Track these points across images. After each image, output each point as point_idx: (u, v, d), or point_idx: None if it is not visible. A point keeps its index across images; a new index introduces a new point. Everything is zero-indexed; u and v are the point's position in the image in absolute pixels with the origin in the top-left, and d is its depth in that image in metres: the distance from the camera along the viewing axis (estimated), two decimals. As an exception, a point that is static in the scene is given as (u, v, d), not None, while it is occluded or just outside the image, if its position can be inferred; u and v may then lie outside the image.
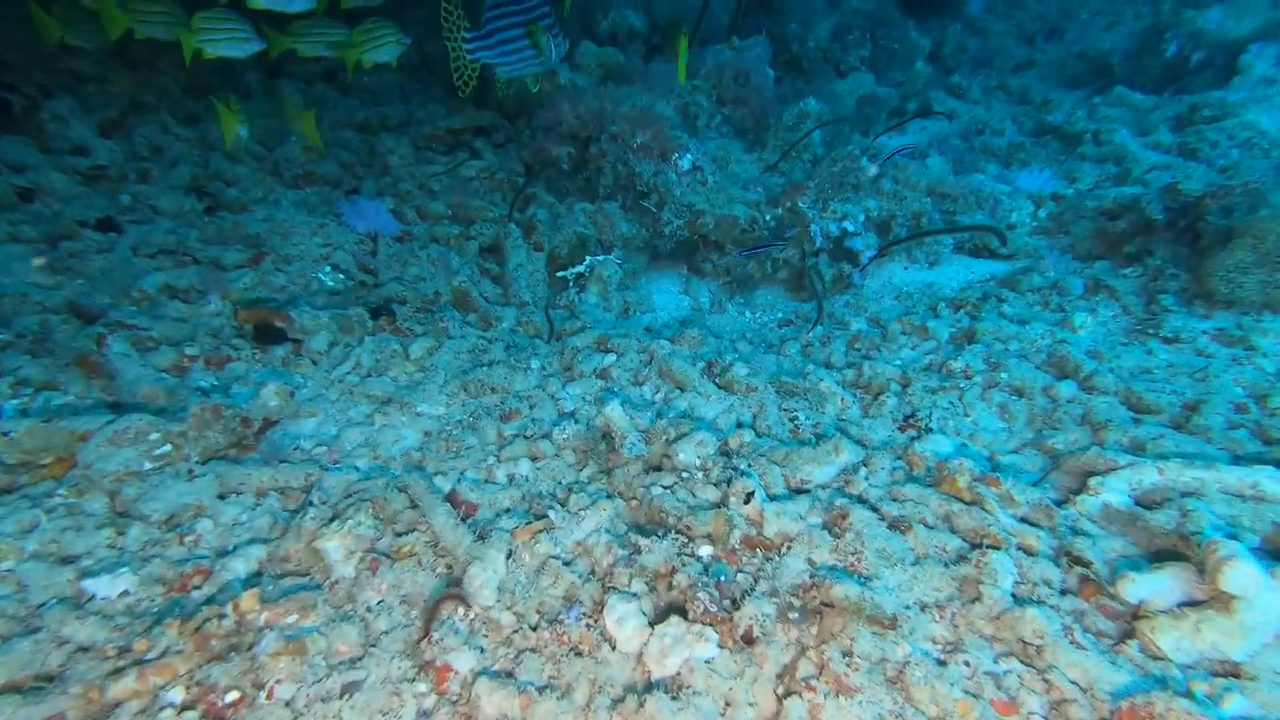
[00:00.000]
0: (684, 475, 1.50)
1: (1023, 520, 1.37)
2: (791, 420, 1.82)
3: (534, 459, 1.59)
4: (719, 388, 1.98)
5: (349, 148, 3.24)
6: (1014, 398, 1.83)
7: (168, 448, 1.26)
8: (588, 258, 2.84)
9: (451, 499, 1.37)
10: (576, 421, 1.71)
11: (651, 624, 1.12)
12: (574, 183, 3.11)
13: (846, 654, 1.08)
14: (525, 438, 1.66)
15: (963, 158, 3.27)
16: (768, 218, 2.91)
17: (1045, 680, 1.09)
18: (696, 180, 2.93)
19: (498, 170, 3.21)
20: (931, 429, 1.73)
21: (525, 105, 3.52)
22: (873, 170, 2.74)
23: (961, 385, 1.87)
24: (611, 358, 2.09)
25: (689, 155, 2.91)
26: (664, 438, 1.64)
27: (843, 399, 1.88)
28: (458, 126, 3.55)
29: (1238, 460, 1.48)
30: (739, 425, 1.80)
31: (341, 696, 1.05)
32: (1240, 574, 1.08)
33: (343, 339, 1.93)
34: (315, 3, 2.31)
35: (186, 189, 2.54)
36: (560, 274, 2.80)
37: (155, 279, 1.94)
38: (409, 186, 2.95)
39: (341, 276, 2.33)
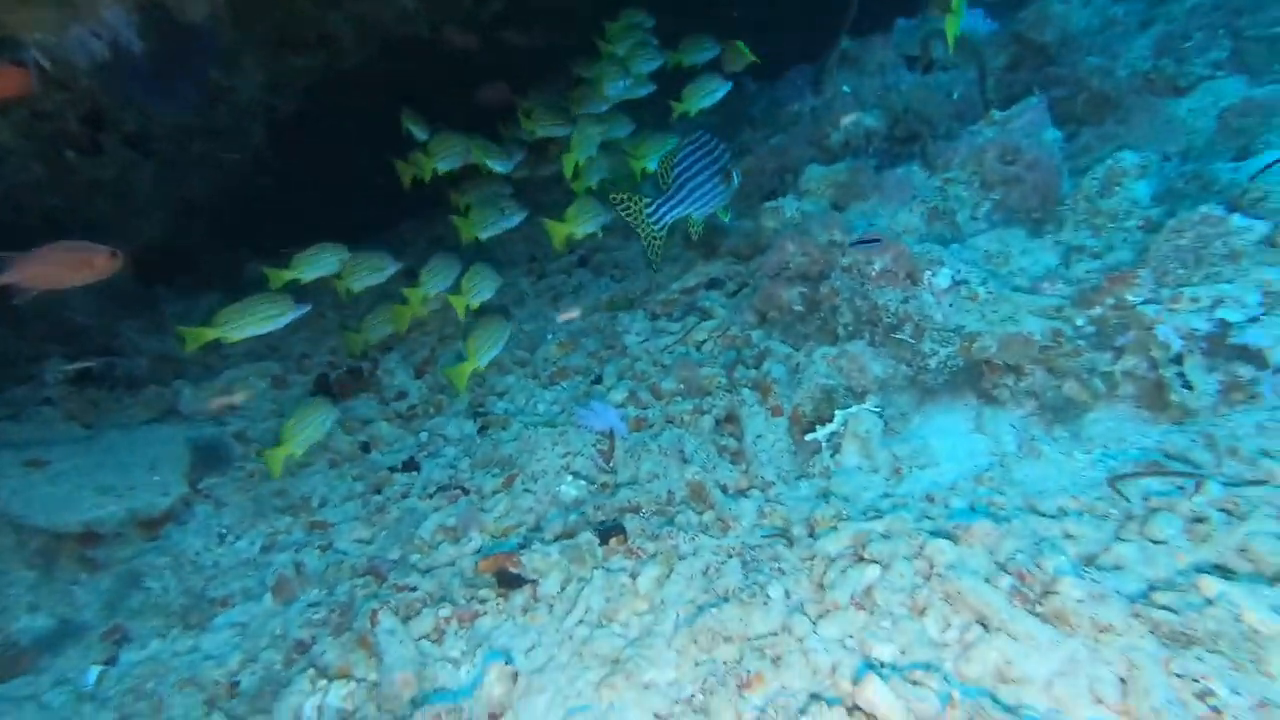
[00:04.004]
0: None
1: None
2: (1203, 701, 1.10)
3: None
4: (1043, 621, 1.34)
5: (598, 331, 3.46)
6: None
7: (393, 775, 1.27)
8: (837, 412, 2.42)
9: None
10: (831, 703, 1.29)
11: None
12: (810, 325, 2.78)
13: None
14: (766, 732, 1.29)
15: None
16: (1080, 323, 2.14)
17: None
18: (962, 296, 2.34)
19: (730, 325, 3.07)
20: None
21: (758, 245, 3.38)
22: (1259, 228, 1.82)
23: None
24: (874, 572, 1.62)
25: (945, 270, 2.36)
26: (965, 742, 1.11)
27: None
28: (690, 285, 3.57)
29: None
30: (1098, 703, 1.15)
31: None
32: None
33: (574, 573, 1.87)
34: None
35: (468, 412, 2.93)
36: (809, 436, 2.43)
37: (432, 522, 2.17)
38: (644, 365, 2.96)
39: (582, 483, 2.34)
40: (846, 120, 3.86)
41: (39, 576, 1.93)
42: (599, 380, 3.00)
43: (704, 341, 3.05)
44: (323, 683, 1.58)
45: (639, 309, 3.46)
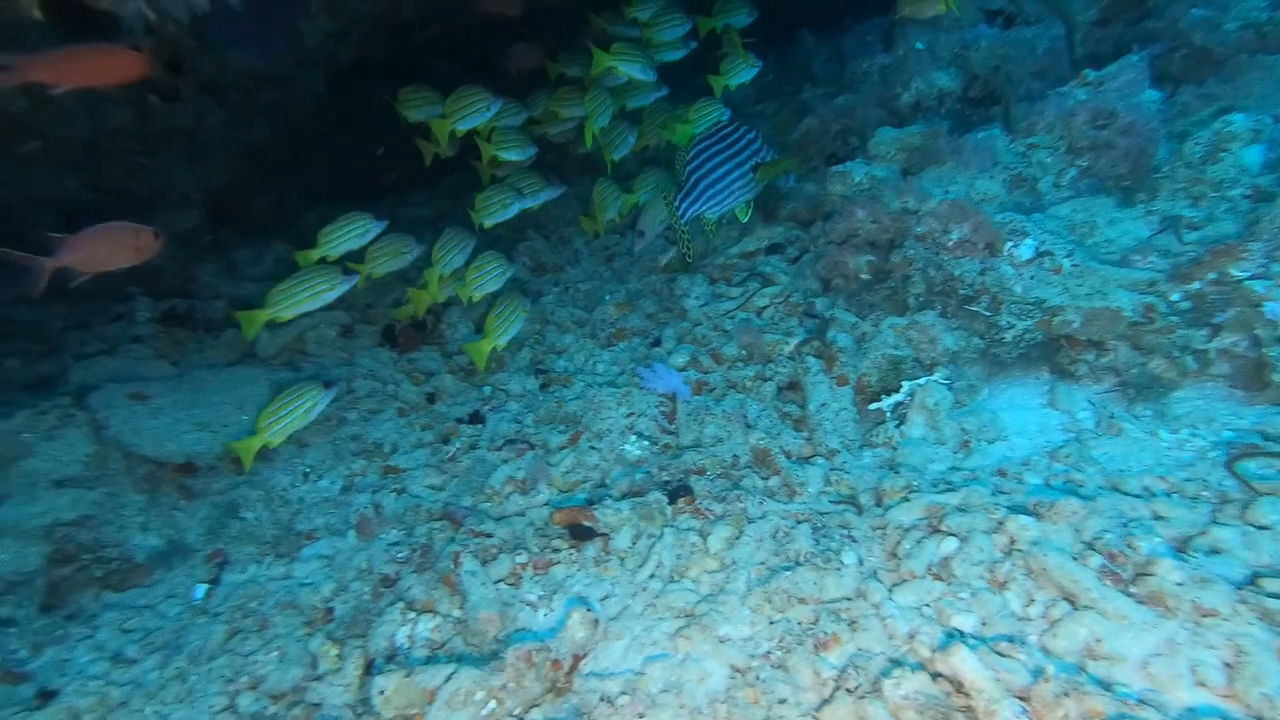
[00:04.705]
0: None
1: None
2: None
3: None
4: (1138, 602, 1.34)
5: (655, 294, 3.45)
6: None
7: (492, 705, 1.35)
8: (905, 383, 2.39)
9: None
10: (913, 668, 1.32)
11: None
12: (877, 295, 2.72)
13: None
14: (849, 691, 1.33)
15: None
16: (1175, 298, 2.05)
17: None
18: (1044, 269, 2.26)
19: (793, 292, 3.03)
20: None
21: (821, 210, 3.30)
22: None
23: None
24: (951, 544, 1.62)
25: (1029, 240, 2.27)
26: (1061, 715, 1.13)
27: None
28: (750, 250, 3.51)
29: None
30: (1199, 686, 1.15)
31: None
32: None
33: (644, 530, 1.91)
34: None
35: (529, 369, 2.98)
36: (873, 406, 2.41)
37: (501, 473, 2.24)
38: (705, 330, 2.96)
39: (645, 444, 2.38)
40: (919, 80, 3.68)
41: (147, 500, 2.08)
42: (658, 343, 3.01)
43: (765, 307, 3.03)
44: (411, 615, 1.68)
45: (697, 272, 3.43)
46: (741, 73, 3.24)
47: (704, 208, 2.57)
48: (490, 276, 2.68)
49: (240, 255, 3.60)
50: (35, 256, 1.89)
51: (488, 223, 2.79)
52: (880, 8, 4.54)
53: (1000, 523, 1.61)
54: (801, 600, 1.57)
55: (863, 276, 2.77)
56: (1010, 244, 2.31)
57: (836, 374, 2.48)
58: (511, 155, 3.06)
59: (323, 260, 2.51)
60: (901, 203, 2.68)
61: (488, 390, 2.85)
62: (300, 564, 2.00)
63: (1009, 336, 2.29)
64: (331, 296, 2.37)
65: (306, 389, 2.13)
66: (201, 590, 1.94)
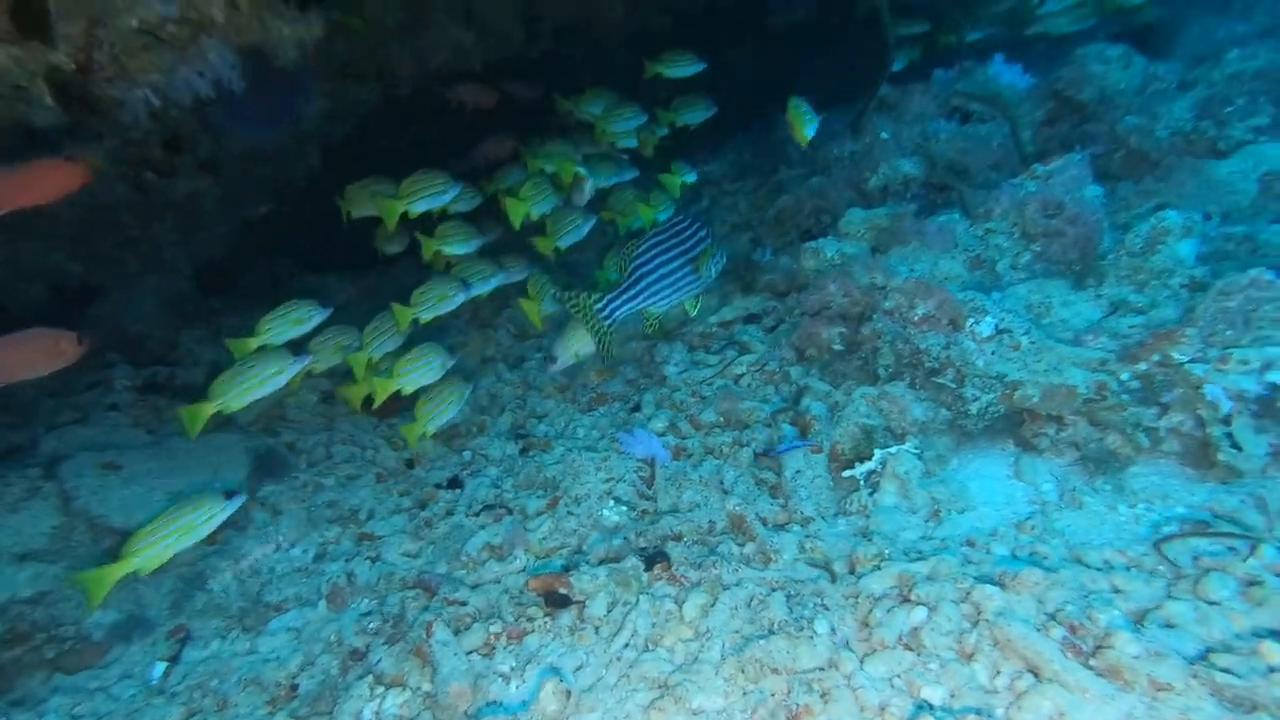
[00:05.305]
0: None
1: None
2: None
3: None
4: (1097, 675, 1.37)
5: (635, 360, 3.54)
6: None
7: (457, 784, 1.32)
8: (877, 451, 2.46)
9: None
10: (883, 742, 1.32)
11: None
12: (849, 365, 2.83)
13: None
14: (818, 766, 1.32)
15: None
16: (1125, 377, 2.17)
17: None
18: (1004, 345, 2.38)
19: (769, 361, 3.13)
20: None
21: (796, 283, 3.46)
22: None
23: None
24: (920, 614, 1.65)
25: (989, 319, 2.41)
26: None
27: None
28: (729, 319, 3.65)
29: None
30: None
31: None
32: None
33: (620, 597, 1.91)
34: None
35: (509, 433, 3.01)
36: (847, 473, 2.47)
37: (478, 540, 2.23)
38: (683, 396, 3.03)
39: (624, 509, 2.40)
40: (886, 166, 3.96)
41: (110, 573, 2.03)
42: (638, 408, 3.07)
43: (742, 375, 3.12)
44: (380, 690, 1.64)
45: (676, 340, 3.54)
46: (690, 171, 3.55)
47: (644, 304, 2.50)
48: (425, 369, 2.56)
49: (226, 322, 3.65)
50: None
51: (425, 317, 2.71)
52: (847, 98, 4.90)
53: (968, 592, 1.64)
54: (775, 670, 1.57)
55: (835, 347, 2.88)
56: (972, 320, 2.44)
57: (811, 443, 2.54)
58: (455, 249, 3.02)
59: (262, 349, 2.41)
60: (871, 278, 2.83)
61: (467, 455, 2.86)
62: (266, 637, 1.95)
63: (974, 409, 2.38)
64: (282, 380, 2.28)
65: (200, 502, 1.89)
66: (160, 669, 1.87)
